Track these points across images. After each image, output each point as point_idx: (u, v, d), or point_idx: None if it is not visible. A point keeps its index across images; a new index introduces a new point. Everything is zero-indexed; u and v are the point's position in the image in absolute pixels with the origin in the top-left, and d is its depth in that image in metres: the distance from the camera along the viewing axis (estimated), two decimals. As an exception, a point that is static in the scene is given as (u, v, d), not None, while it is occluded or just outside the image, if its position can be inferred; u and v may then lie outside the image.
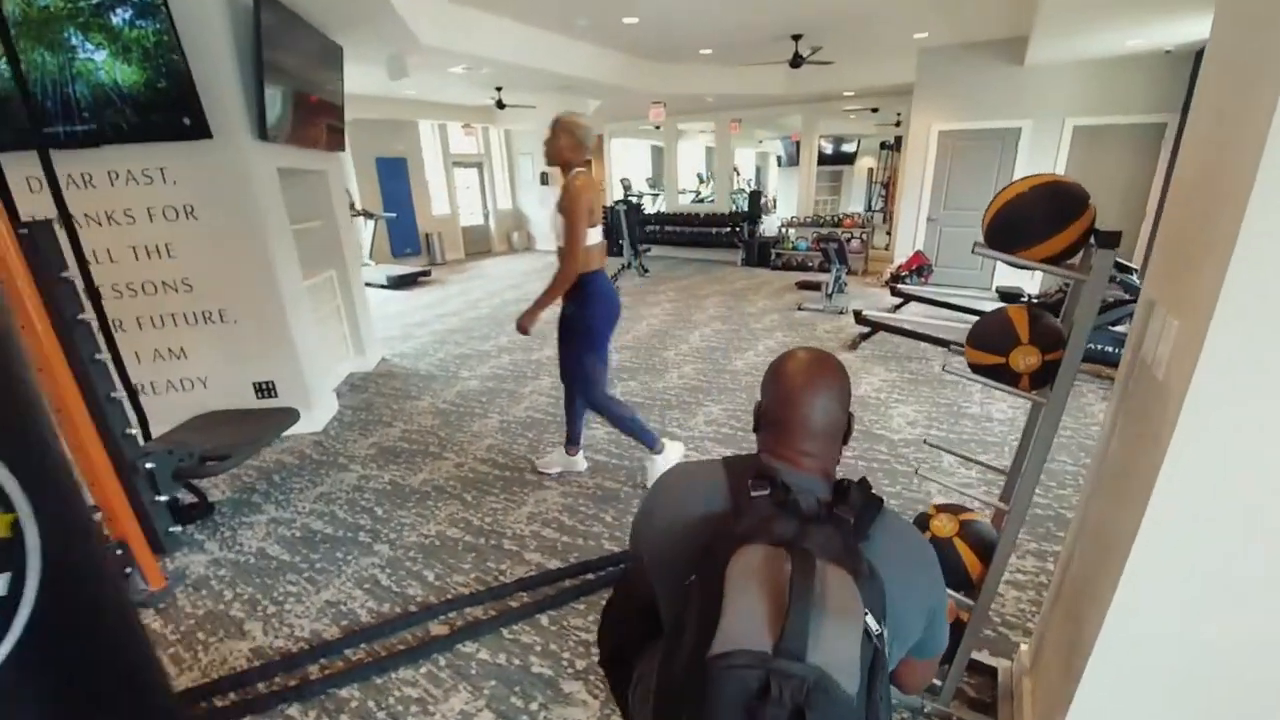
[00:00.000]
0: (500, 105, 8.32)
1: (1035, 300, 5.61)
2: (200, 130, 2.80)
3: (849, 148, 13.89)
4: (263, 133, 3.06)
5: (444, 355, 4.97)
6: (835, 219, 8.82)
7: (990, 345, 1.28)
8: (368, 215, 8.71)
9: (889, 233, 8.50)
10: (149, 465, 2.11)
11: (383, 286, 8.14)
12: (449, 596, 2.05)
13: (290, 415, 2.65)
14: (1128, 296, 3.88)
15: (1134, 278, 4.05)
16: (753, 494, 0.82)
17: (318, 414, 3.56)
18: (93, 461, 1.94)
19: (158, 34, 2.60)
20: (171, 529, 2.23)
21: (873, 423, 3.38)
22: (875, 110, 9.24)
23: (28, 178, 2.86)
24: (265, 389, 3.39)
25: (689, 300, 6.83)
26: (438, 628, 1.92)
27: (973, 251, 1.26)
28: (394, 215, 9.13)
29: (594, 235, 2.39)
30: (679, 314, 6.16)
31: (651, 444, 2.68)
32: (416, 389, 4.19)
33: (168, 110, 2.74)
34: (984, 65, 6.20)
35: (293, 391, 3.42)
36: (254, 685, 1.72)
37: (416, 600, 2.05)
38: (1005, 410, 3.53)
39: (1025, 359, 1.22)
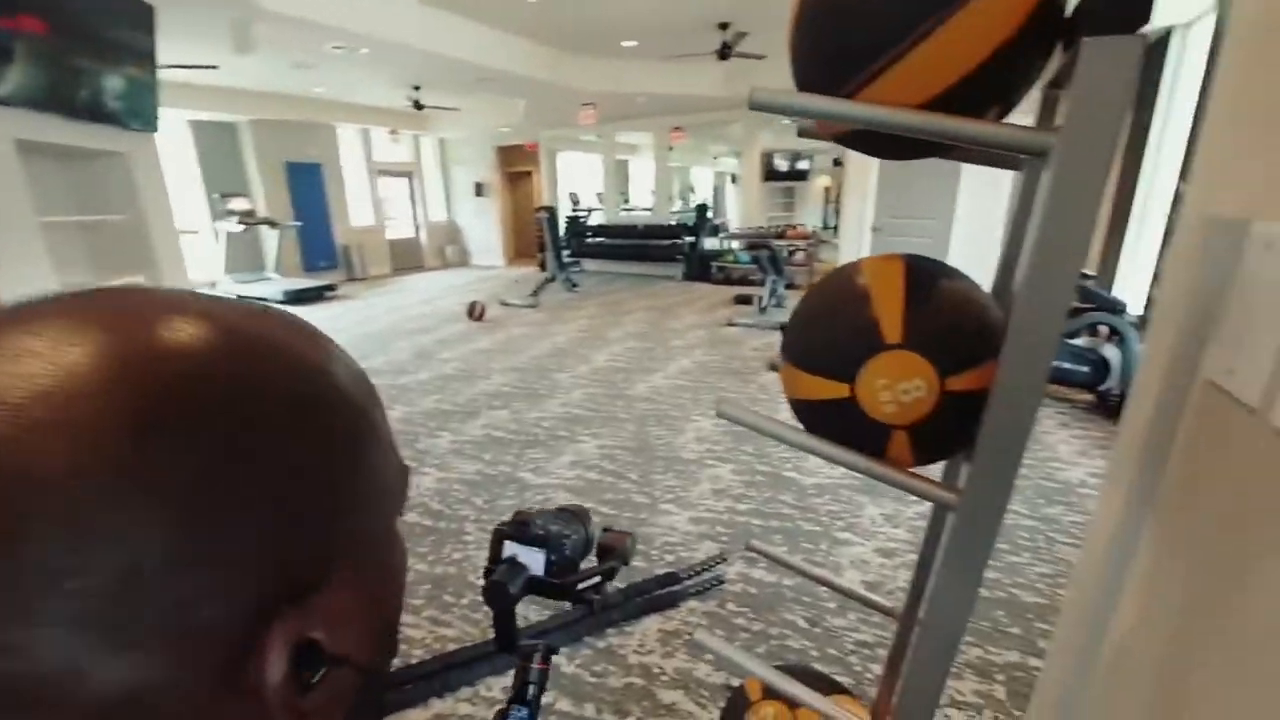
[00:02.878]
0: (418, 106, 7.62)
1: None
2: None
3: (804, 165, 13.57)
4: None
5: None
6: (778, 229, 8.31)
7: (814, 355, 0.55)
8: (270, 224, 7.88)
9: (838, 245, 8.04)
10: None
11: (278, 301, 7.30)
12: None
13: None
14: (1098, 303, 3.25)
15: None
16: None
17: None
18: None
19: None
20: None
21: (783, 462, 2.70)
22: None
23: None
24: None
25: (610, 316, 6.16)
26: None
27: (751, 104, 0.47)
28: (299, 224, 8.30)
29: None
30: (593, 331, 5.47)
31: None
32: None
33: None
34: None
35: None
36: None
37: None
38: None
39: (896, 387, 0.49)
